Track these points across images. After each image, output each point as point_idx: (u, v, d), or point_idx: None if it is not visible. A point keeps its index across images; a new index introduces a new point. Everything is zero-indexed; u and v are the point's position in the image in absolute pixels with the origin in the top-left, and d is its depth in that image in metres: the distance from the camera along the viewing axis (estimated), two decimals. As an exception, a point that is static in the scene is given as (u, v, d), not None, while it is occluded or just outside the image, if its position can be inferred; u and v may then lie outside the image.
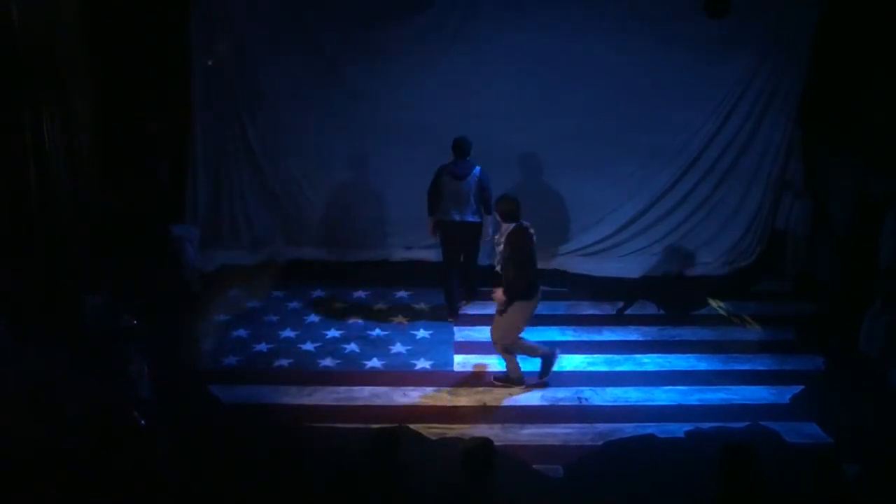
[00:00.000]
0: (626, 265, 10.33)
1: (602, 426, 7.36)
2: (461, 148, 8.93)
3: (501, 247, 7.72)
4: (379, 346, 8.69)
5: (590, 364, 8.40)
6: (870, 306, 8.12)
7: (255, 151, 10.32)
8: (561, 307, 9.52)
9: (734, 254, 10.42)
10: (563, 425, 7.39)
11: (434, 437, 7.12)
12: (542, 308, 9.36)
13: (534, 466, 6.73)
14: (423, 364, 8.40)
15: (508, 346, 7.89)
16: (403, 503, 5.30)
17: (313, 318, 9.26)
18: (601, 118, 9.98)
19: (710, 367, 8.37)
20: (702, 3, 9.19)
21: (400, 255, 10.52)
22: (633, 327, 9.13)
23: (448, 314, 9.24)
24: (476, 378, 8.15)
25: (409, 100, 10.01)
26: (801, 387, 8.00)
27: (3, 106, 7.82)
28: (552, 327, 9.06)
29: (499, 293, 7.74)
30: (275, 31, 9.96)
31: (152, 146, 9.86)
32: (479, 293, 9.39)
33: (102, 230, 9.04)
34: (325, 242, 10.50)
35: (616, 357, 8.52)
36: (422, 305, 9.54)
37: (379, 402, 7.76)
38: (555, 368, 8.27)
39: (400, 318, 9.34)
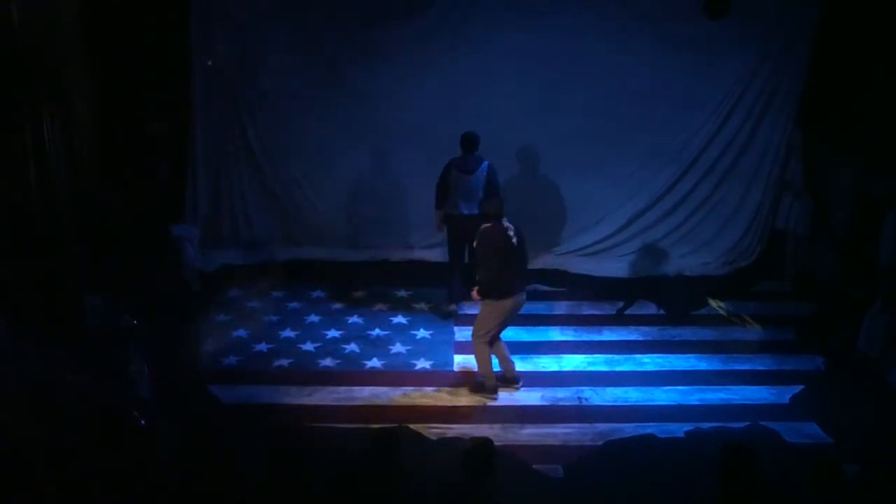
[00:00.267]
0: (627, 265, 10.32)
1: (602, 426, 7.36)
2: (469, 142, 8.97)
3: None
4: (379, 346, 8.69)
5: (590, 364, 8.40)
6: (870, 306, 8.12)
7: (255, 151, 10.33)
8: (561, 307, 9.53)
9: (734, 254, 10.43)
10: (563, 425, 7.39)
11: (434, 437, 7.12)
12: (543, 308, 9.46)
13: (534, 466, 6.73)
14: (423, 364, 8.40)
15: (475, 345, 7.77)
16: (403, 503, 5.29)
17: (313, 318, 9.25)
18: (601, 118, 9.98)
19: (710, 367, 8.37)
20: (702, 3, 9.19)
21: (400, 255, 10.53)
22: (633, 327, 9.13)
23: (447, 302, 9.29)
24: (476, 378, 8.13)
25: (409, 100, 10.02)
26: (801, 387, 7.99)
27: (3, 106, 7.82)
28: (552, 327, 9.07)
29: (475, 291, 7.68)
30: (275, 31, 9.96)
31: (152, 146, 9.87)
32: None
33: (102, 230, 9.04)
34: (325, 242, 10.50)
35: (616, 357, 8.52)
36: (422, 305, 9.54)
37: (379, 402, 7.76)
38: (554, 368, 8.29)
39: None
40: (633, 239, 10.49)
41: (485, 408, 7.68)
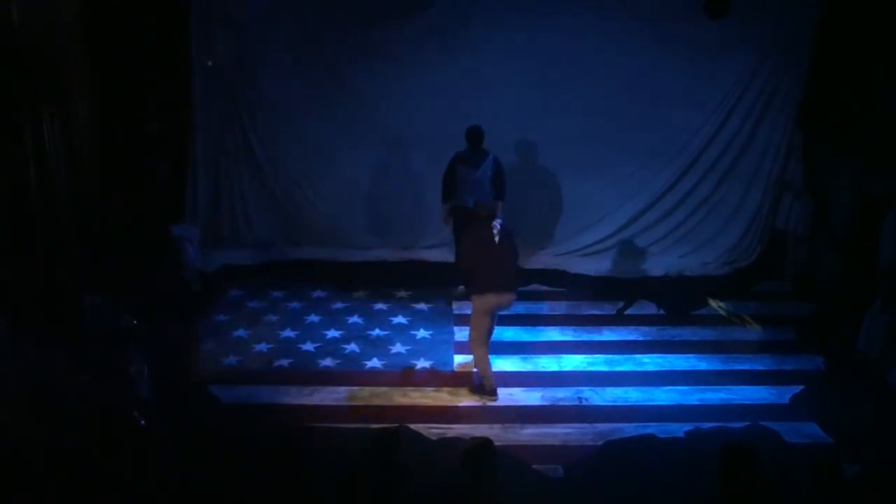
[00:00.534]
0: (627, 265, 10.32)
1: (602, 426, 7.36)
2: (475, 136, 9.01)
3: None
4: (379, 346, 8.69)
5: (590, 364, 8.40)
6: (870, 306, 8.12)
7: (255, 151, 10.33)
8: (561, 307, 9.53)
9: (734, 254, 10.43)
10: (563, 425, 7.38)
11: (434, 437, 7.11)
12: (543, 308, 9.46)
13: (534, 466, 6.73)
14: (423, 364, 8.40)
15: (472, 348, 7.82)
16: (403, 503, 5.29)
17: (313, 318, 9.25)
18: (601, 118, 9.99)
19: (710, 367, 8.36)
20: (702, 3, 9.18)
21: (400, 255, 10.53)
22: (633, 327, 9.13)
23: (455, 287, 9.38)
24: (476, 378, 8.13)
25: (409, 100, 10.02)
26: (801, 387, 7.99)
27: (3, 106, 7.82)
28: (552, 327, 9.06)
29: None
30: (275, 32, 9.97)
31: (152, 146, 9.87)
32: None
33: (102, 230, 9.04)
34: (325, 242, 10.50)
35: (616, 357, 8.52)
36: (422, 305, 9.54)
37: (379, 402, 7.75)
38: (554, 368, 8.29)
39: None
40: (633, 239, 10.49)
41: (485, 408, 7.68)
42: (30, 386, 6.46)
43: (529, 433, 7.28)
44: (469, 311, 8.83)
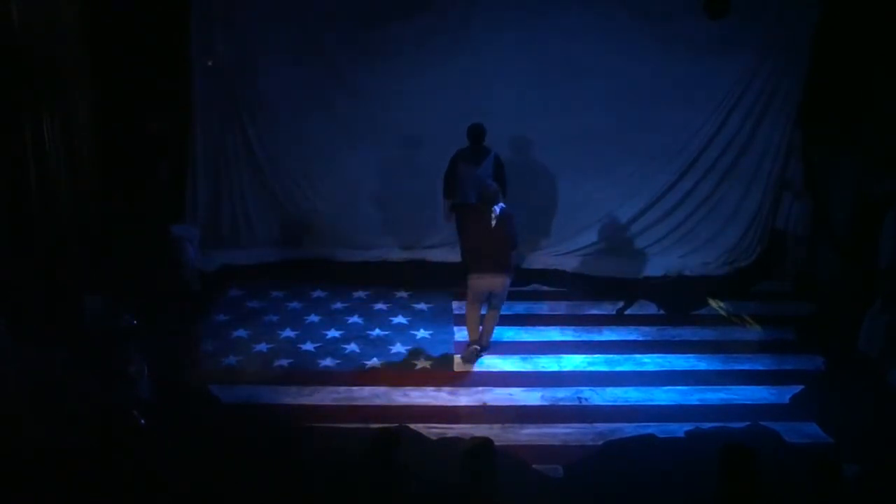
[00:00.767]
0: (627, 265, 10.32)
1: (602, 426, 7.36)
2: (476, 134, 9.03)
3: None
4: (379, 346, 8.69)
5: (590, 364, 8.40)
6: (870, 306, 8.12)
7: (255, 151, 10.33)
8: (561, 307, 9.52)
9: (734, 254, 10.42)
10: (563, 425, 7.38)
11: (434, 437, 7.11)
12: (543, 308, 9.47)
13: (534, 466, 6.73)
14: (423, 364, 8.40)
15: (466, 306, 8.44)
16: (403, 503, 5.29)
17: (313, 318, 9.25)
18: (601, 118, 9.99)
19: (710, 367, 8.36)
20: (702, 3, 9.18)
21: (400, 255, 10.53)
22: (633, 327, 9.13)
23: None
24: (476, 378, 8.14)
25: (410, 100, 10.02)
26: (801, 387, 7.99)
27: (3, 106, 7.83)
28: (552, 327, 9.06)
29: None
30: (275, 31, 9.96)
31: (152, 146, 9.87)
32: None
33: (102, 230, 9.05)
34: (325, 242, 10.50)
35: (616, 357, 8.51)
36: (422, 305, 9.54)
37: (379, 402, 7.75)
38: (554, 368, 8.29)
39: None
40: (633, 239, 10.49)
41: (485, 408, 7.68)
42: (30, 386, 6.47)
43: (529, 433, 7.28)
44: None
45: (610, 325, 9.19)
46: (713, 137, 10.17)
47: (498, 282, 8.15)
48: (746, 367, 8.38)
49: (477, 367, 8.33)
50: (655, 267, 10.31)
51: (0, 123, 7.83)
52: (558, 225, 10.49)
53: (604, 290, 9.88)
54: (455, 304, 9.45)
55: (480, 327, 8.42)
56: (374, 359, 8.47)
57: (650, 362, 8.45)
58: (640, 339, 8.90)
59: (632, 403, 7.76)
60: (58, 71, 8.35)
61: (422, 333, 8.96)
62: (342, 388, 7.92)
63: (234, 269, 10.14)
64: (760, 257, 10.40)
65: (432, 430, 7.22)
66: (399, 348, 8.67)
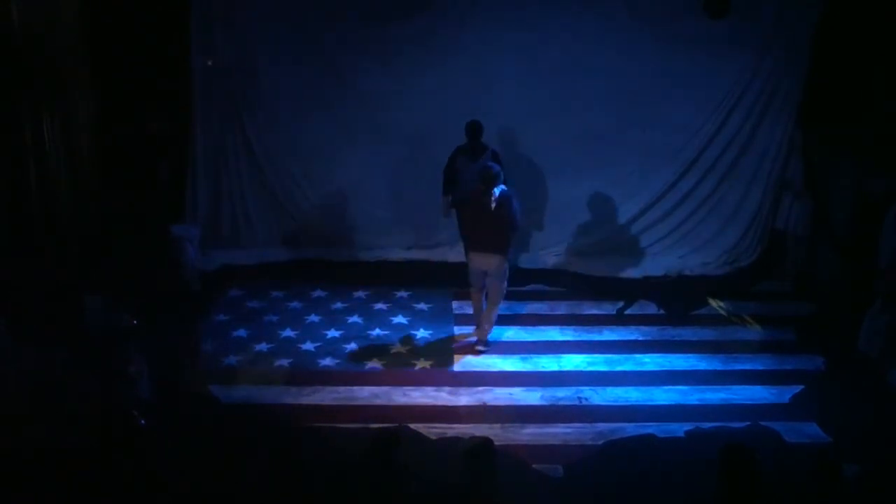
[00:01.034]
0: (627, 265, 10.32)
1: (602, 426, 7.36)
2: (474, 130, 9.05)
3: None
4: (379, 346, 8.69)
5: (590, 364, 8.40)
6: (870, 306, 8.11)
7: (255, 151, 10.33)
8: (561, 307, 9.52)
9: (734, 253, 10.42)
10: (563, 425, 7.38)
11: (434, 437, 7.11)
12: (543, 308, 9.46)
13: (534, 466, 6.73)
14: (423, 364, 8.39)
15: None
16: (403, 503, 5.30)
17: (313, 318, 9.25)
18: (601, 118, 9.99)
19: (710, 367, 8.35)
20: (702, 3, 9.19)
21: (400, 255, 10.53)
22: (633, 327, 9.12)
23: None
24: (476, 378, 8.14)
25: (410, 100, 10.03)
26: (801, 387, 7.98)
27: (3, 106, 7.84)
28: (552, 327, 9.06)
29: None
30: (275, 31, 9.96)
31: (152, 146, 9.87)
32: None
33: (102, 230, 9.05)
34: (325, 242, 10.50)
35: (616, 357, 8.51)
36: (422, 305, 9.54)
37: (379, 402, 7.75)
38: (554, 368, 8.29)
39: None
40: (633, 239, 10.49)
41: (485, 408, 7.68)
42: (30, 386, 6.47)
43: (529, 433, 7.28)
44: (470, 311, 8.94)
45: (610, 325, 9.19)
46: (713, 137, 10.17)
47: (492, 261, 8.29)
48: (746, 367, 8.38)
49: (477, 367, 8.32)
50: (655, 267, 10.31)
51: (0, 123, 7.83)
52: (558, 225, 10.47)
53: (604, 290, 9.88)
54: (455, 304, 9.46)
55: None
56: (374, 359, 8.47)
57: (650, 362, 8.45)
58: (640, 339, 8.90)
59: (632, 403, 7.75)
60: (58, 71, 8.36)
61: (422, 333, 8.96)
62: (342, 388, 7.92)
63: (234, 269, 10.14)
64: (760, 257, 10.39)
65: (432, 430, 7.21)
66: (399, 348, 8.67)
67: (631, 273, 10.22)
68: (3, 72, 7.73)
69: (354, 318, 9.24)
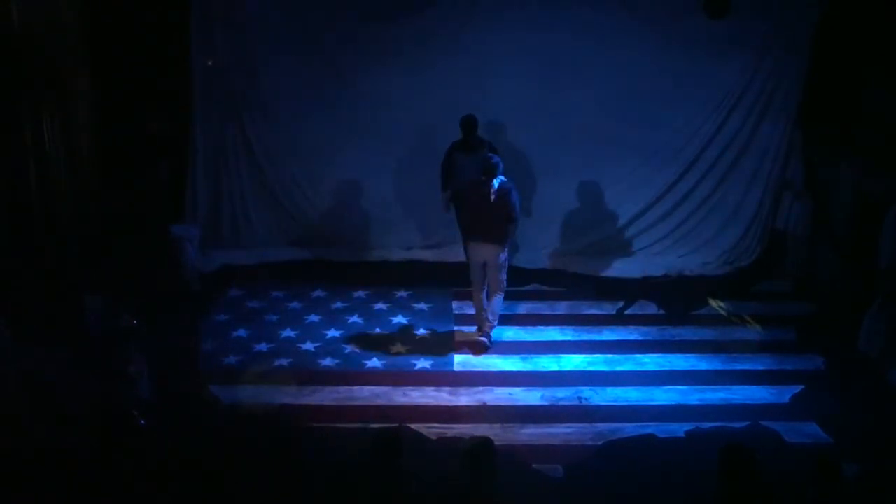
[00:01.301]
0: (627, 265, 10.32)
1: (602, 426, 7.35)
2: (469, 124, 9.10)
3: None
4: (379, 346, 8.69)
5: (590, 364, 8.40)
6: (870, 306, 8.11)
7: (255, 151, 10.33)
8: (561, 307, 9.52)
9: (734, 254, 10.42)
10: (563, 425, 7.38)
11: (434, 437, 7.11)
12: (543, 308, 9.45)
13: (534, 466, 6.73)
14: (423, 364, 8.39)
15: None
16: (403, 503, 5.29)
17: (313, 318, 9.25)
18: (601, 117, 9.99)
19: (710, 367, 8.35)
20: (702, 3, 9.19)
21: (400, 255, 10.53)
22: (633, 327, 9.12)
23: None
24: (476, 378, 8.14)
25: (410, 99, 10.03)
26: (801, 387, 7.98)
27: (3, 106, 7.83)
28: (552, 327, 9.06)
29: None
30: (275, 31, 9.97)
31: (152, 146, 9.87)
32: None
33: (102, 230, 9.05)
34: (325, 242, 10.50)
35: (616, 357, 8.51)
36: (422, 305, 9.53)
37: (379, 402, 7.75)
38: (554, 368, 8.29)
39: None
40: (632, 239, 10.50)
41: (485, 408, 7.68)
42: (30, 386, 6.47)
43: (529, 433, 7.28)
44: (470, 312, 8.94)
45: (610, 325, 9.18)
46: (713, 137, 10.17)
47: (490, 252, 8.37)
48: (746, 367, 8.38)
49: (477, 367, 8.33)
50: (655, 267, 10.30)
51: (0, 123, 7.83)
52: (558, 225, 10.48)
53: (604, 290, 9.88)
54: (455, 304, 9.46)
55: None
56: (374, 359, 8.47)
57: (650, 362, 8.45)
58: (640, 339, 8.90)
59: (632, 403, 7.75)
60: (58, 71, 8.35)
61: (422, 333, 8.96)
62: (342, 388, 7.92)
63: (234, 269, 10.14)
64: (760, 257, 10.39)
65: (432, 430, 7.22)
66: (399, 348, 8.67)
67: (631, 273, 10.22)
68: (3, 72, 7.72)
69: (354, 318, 9.24)
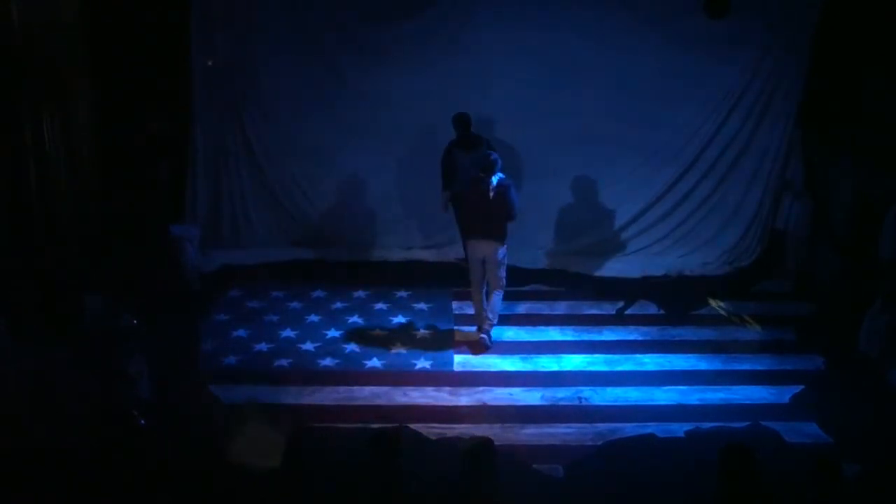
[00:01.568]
0: (627, 265, 10.32)
1: (602, 426, 7.35)
2: (463, 122, 9.16)
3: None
4: (379, 346, 8.69)
5: (590, 364, 8.40)
6: (870, 306, 8.12)
7: (255, 151, 10.33)
8: (561, 307, 9.52)
9: (734, 254, 10.42)
10: (563, 425, 7.38)
11: (434, 437, 7.11)
12: (543, 308, 9.45)
13: (534, 466, 6.72)
14: (423, 364, 8.39)
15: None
16: (403, 503, 5.30)
17: (313, 318, 9.25)
18: (601, 118, 9.99)
19: (710, 367, 8.35)
20: (702, 3, 9.19)
21: (400, 255, 10.53)
22: (633, 327, 9.12)
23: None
24: (476, 378, 8.14)
25: (410, 100, 10.03)
26: (801, 387, 7.98)
27: (3, 106, 7.83)
28: (552, 327, 9.06)
29: None
30: (275, 32, 9.97)
31: (152, 146, 9.87)
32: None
33: (102, 230, 9.05)
34: (325, 242, 10.50)
35: (616, 357, 8.51)
36: (421, 305, 9.54)
37: (379, 402, 7.75)
38: (554, 368, 8.29)
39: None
40: (632, 239, 10.50)
41: (485, 408, 7.68)
42: (30, 386, 6.47)
43: (529, 433, 7.27)
44: (470, 312, 8.94)
45: (610, 325, 9.18)
46: (713, 137, 10.17)
47: (489, 248, 8.40)
48: (746, 367, 8.38)
49: (477, 367, 8.33)
50: (655, 267, 10.31)
51: (0, 123, 7.83)
52: (558, 225, 10.48)
53: (604, 290, 9.88)
54: (455, 304, 9.46)
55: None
56: (374, 359, 8.47)
57: (650, 362, 8.45)
58: (640, 339, 8.90)
59: (632, 403, 7.75)
60: (58, 71, 8.36)
61: (422, 333, 8.96)
62: (342, 388, 7.92)
63: (234, 269, 10.14)
64: (760, 257, 10.39)
65: (432, 430, 7.21)
66: (399, 348, 8.67)
67: (631, 273, 10.22)
68: (3, 72, 7.73)
69: (354, 318, 9.24)
